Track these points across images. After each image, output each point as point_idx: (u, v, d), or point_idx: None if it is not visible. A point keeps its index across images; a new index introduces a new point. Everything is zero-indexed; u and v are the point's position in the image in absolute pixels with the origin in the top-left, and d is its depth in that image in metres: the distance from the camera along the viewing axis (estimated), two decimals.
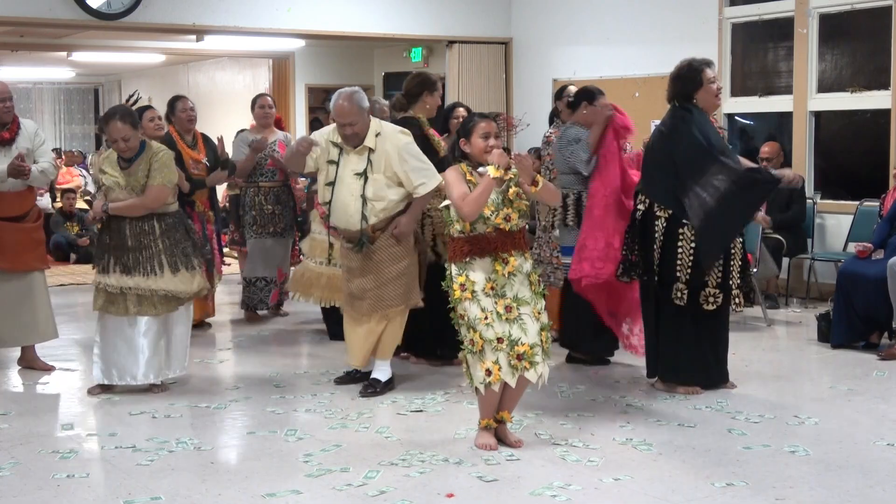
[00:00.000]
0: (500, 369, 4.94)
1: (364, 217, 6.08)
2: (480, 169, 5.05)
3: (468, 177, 5.03)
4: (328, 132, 6.26)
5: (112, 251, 6.16)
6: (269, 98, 9.04)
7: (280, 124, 9.12)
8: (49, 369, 6.97)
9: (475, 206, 4.93)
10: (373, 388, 6.24)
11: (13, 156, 6.65)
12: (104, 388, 6.25)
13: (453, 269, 5.06)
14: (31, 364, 7.05)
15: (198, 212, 8.12)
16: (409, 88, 6.94)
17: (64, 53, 15.11)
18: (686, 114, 6.05)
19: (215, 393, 6.39)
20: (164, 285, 6.19)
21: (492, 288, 4.97)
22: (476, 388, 5.06)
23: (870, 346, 7.37)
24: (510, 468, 4.86)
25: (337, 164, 6.15)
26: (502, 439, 5.16)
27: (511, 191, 5.00)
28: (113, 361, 6.19)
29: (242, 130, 9.08)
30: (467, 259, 5.00)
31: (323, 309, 7.79)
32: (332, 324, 7.74)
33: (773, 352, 7.64)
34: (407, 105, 6.95)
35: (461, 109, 8.29)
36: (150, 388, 6.30)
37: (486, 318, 4.95)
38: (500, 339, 4.93)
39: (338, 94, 6.14)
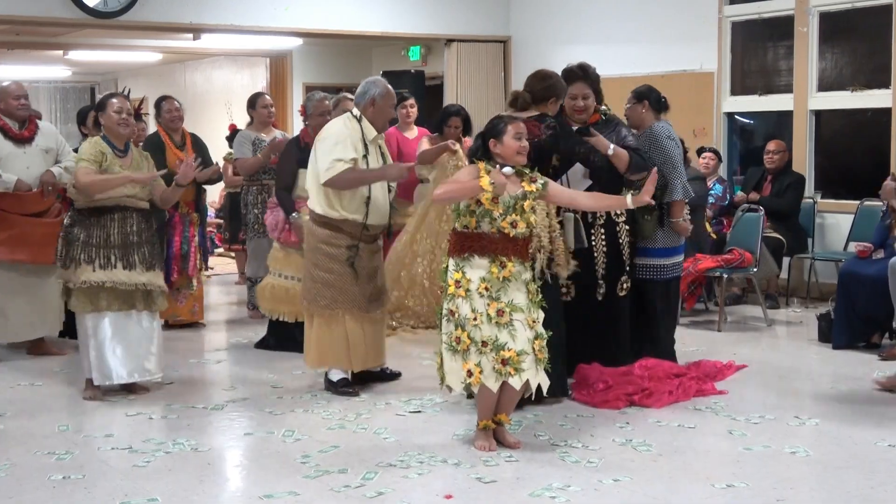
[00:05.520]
0: (481, 372, 4.93)
1: (392, 206, 6.31)
2: (505, 169, 5.06)
3: (482, 173, 5.02)
4: (354, 128, 6.19)
5: (129, 247, 6.15)
6: (268, 97, 9.05)
7: (274, 123, 9.12)
8: (62, 353, 7.26)
9: (444, 196, 5.06)
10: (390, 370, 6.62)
11: (34, 154, 7.11)
12: (96, 388, 6.21)
13: (451, 263, 5.07)
14: (43, 350, 7.43)
15: (181, 213, 8.11)
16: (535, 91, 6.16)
17: (60, 52, 15.09)
18: None
19: (212, 393, 6.39)
20: (160, 282, 6.35)
21: (486, 289, 4.96)
22: (448, 387, 5.06)
23: (871, 346, 7.36)
24: (509, 469, 4.86)
25: (367, 158, 6.18)
26: (501, 440, 5.16)
27: (526, 203, 5.01)
28: (125, 360, 6.17)
29: (237, 130, 9.05)
30: (466, 255, 5.00)
31: (270, 322, 7.64)
32: (283, 337, 7.56)
33: (774, 352, 7.63)
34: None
35: (456, 119, 8.30)
36: (134, 389, 6.30)
37: (475, 318, 4.94)
38: (485, 343, 4.92)
39: (380, 82, 6.29)
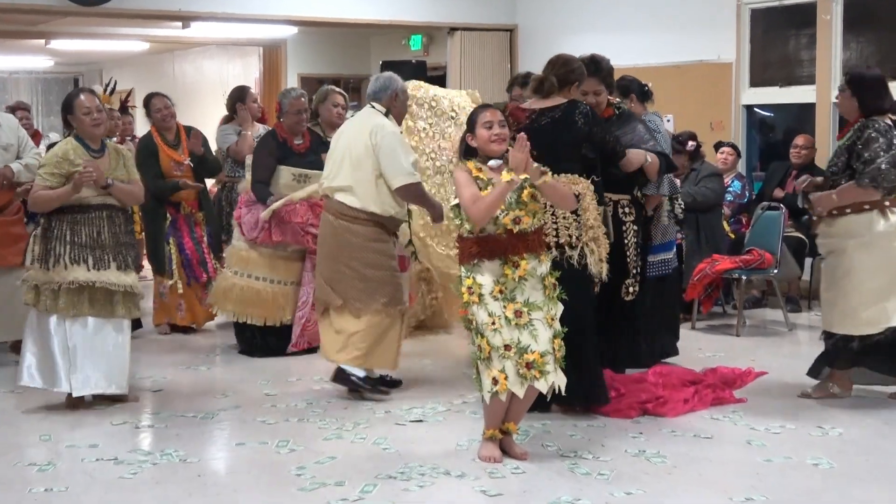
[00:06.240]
0: (506, 378, 4.92)
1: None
2: (491, 163, 5.04)
3: (475, 173, 5.01)
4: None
5: (120, 247, 6.15)
6: (253, 91, 9.13)
7: (263, 118, 9.09)
8: None
9: (486, 213, 4.91)
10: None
11: None
12: (78, 398, 6.21)
13: (462, 270, 5.06)
14: None
15: (184, 214, 8.12)
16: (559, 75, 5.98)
17: (42, 41, 15.11)
18: None
19: (202, 402, 6.38)
20: (139, 287, 6.34)
21: (500, 291, 4.95)
22: (482, 397, 5.06)
23: None
24: (516, 482, 4.86)
25: None
26: (507, 451, 5.16)
27: (525, 192, 4.98)
28: (99, 369, 6.15)
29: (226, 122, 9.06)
30: (475, 261, 4.99)
31: (235, 324, 7.72)
32: (246, 339, 7.67)
33: (795, 358, 7.61)
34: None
35: None
36: (121, 398, 6.28)
37: (493, 323, 4.93)
38: (507, 347, 4.92)
39: (396, 76, 6.48)
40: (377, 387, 6.39)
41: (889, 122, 6.02)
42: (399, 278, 6.42)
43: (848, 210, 6.01)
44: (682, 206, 7.16)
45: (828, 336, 6.23)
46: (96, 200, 6.10)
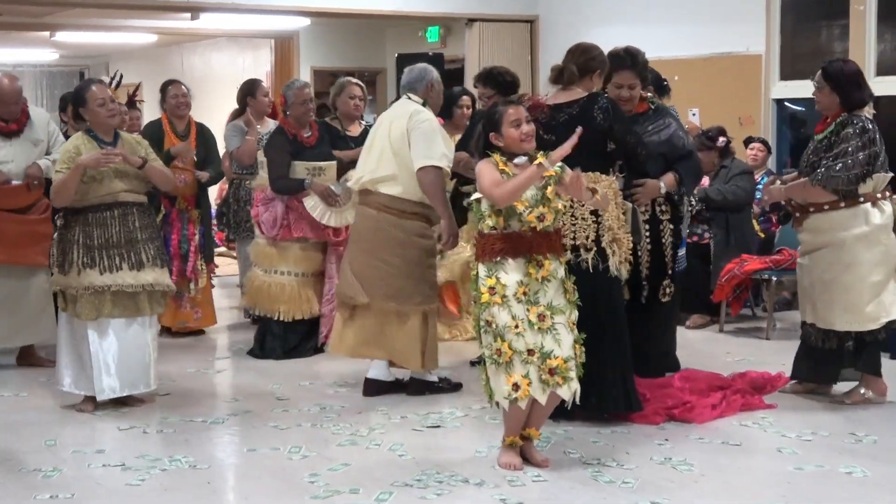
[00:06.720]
0: (529, 384, 4.91)
1: None
2: (517, 160, 5.03)
3: (501, 166, 5.00)
4: None
5: (134, 244, 6.17)
6: (265, 85, 9.12)
7: (274, 112, 9.06)
8: (52, 365, 7.11)
9: (511, 195, 4.87)
10: None
11: (21, 145, 7.09)
12: (89, 401, 6.24)
13: (481, 269, 5.01)
14: (32, 361, 7.39)
15: (178, 208, 8.12)
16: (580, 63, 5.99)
17: (46, 33, 15.16)
18: None
19: (212, 406, 6.41)
20: (167, 280, 6.38)
21: (524, 293, 4.94)
22: (497, 403, 5.03)
23: None
24: (536, 490, 4.85)
25: None
26: (528, 458, 5.15)
27: (549, 189, 4.97)
28: (127, 371, 6.19)
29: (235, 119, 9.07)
30: (498, 258, 4.97)
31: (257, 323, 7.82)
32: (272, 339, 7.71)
33: None
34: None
35: (466, 98, 8.26)
36: (128, 400, 6.31)
37: (516, 326, 4.90)
38: (531, 351, 4.90)
39: (430, 66, 6.49)
40: (448, 384, 6.55)
41: (869, 116, 6.05)
42: (436, 277, 6.47)
43: (842, 204, 6.05)
44: (692, 203, 7.13)
45: (827, 335, 6.22)
46: (108, 199, 6.14)
